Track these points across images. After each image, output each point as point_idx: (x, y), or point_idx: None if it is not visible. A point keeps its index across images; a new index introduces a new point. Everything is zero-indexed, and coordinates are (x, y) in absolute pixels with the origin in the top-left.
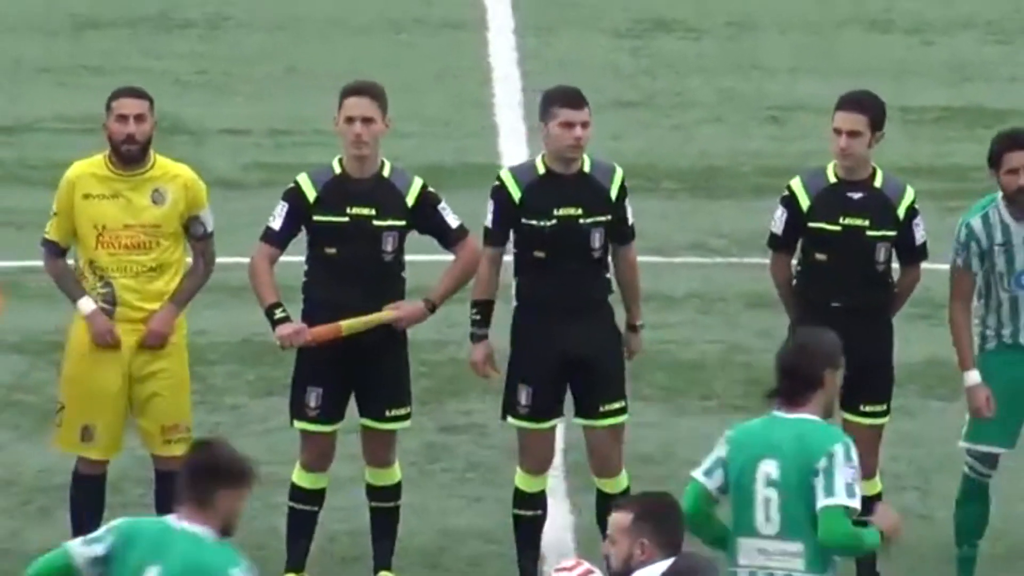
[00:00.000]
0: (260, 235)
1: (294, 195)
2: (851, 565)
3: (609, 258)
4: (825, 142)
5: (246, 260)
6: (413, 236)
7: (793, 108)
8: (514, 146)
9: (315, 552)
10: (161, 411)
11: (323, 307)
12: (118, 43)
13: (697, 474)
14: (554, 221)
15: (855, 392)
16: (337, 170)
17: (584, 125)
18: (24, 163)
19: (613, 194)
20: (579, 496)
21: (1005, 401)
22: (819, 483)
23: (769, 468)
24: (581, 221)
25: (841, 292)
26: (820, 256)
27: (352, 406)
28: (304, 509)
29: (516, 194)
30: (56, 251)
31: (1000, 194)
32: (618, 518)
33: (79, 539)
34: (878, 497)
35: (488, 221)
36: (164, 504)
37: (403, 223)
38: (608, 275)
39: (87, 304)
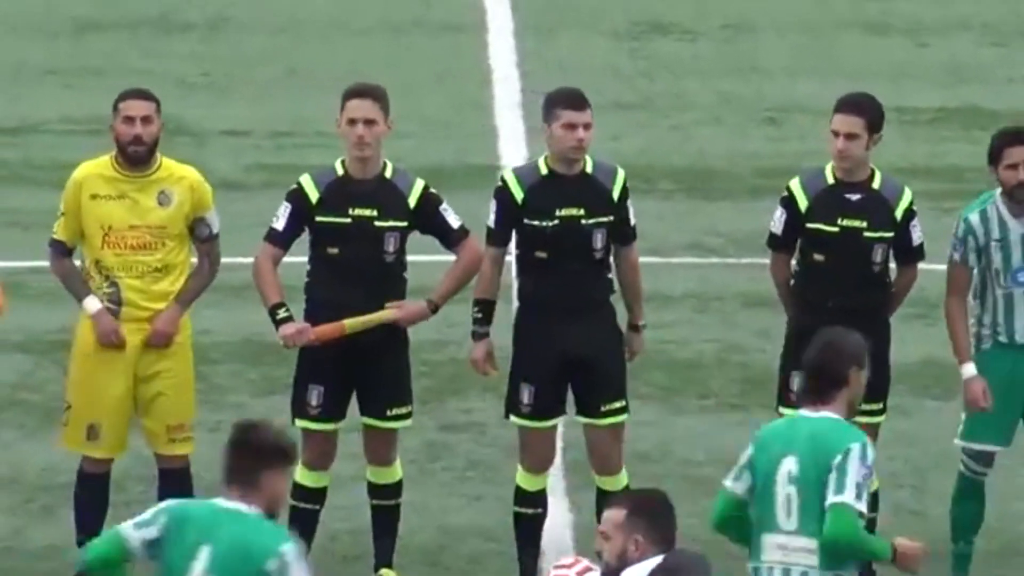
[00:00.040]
0: (264, 235)
1: (297, 196)
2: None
3: (611, 258)
4: (823, 143)
5: (247, 260)
6: (415, 236)
7: (790, 109)
8: (514, 147)
9: (316, 550)
10: (166, 411)
11: (325, 307)
12: (119, 45)
13: (726, 482)
14: (556, 222)
15: None
16: (340, 171)
17: (587, 126)
18: (29, 164)
19: (615, 195)
20: (578, 494)
21: (1001, 399)
22: (832, 479)
23: (790, 465)
24: (583, 222)
25: (838, 292)
26: (818, 257)
27: (353, 405)
28: (305, 507)
29: (519, 195)
30: (63, 251)
31: (999, 191)
32: (612, 514)
33: (129, 522)
34: (874, 494)
35: (491, 221)
36: None
37: (405, 224)
38: (610, 275)
39: (93, 303)
